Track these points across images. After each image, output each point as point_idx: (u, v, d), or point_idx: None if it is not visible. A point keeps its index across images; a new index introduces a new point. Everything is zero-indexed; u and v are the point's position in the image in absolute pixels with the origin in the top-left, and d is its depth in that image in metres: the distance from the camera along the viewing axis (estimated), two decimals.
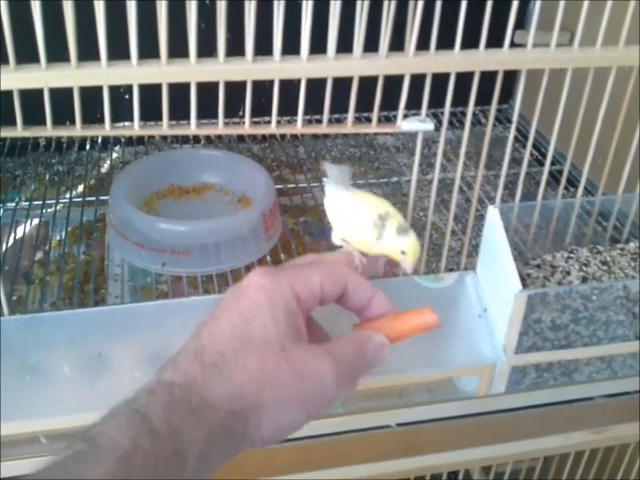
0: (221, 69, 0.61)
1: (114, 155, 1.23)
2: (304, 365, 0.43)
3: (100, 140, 1.24)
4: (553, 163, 1.01)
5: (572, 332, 0.70)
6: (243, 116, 0.64)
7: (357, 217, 0.57)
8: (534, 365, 0.73)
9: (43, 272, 0.95)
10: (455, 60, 0.63)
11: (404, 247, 0.55)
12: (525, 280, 0.72)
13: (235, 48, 0.62)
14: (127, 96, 0.64)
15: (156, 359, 0.64)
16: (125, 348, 0.67)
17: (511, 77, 0.76)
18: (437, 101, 0.67)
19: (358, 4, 0.60)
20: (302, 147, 1.29)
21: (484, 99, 0.68)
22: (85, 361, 0.64)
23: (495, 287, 0.72)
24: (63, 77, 0.58)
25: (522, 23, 1.14)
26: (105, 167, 1.21)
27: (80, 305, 0.89)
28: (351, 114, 0.65)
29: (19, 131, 0.60)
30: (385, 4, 0.61)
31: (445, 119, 0.68)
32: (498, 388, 0.74)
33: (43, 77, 0.58)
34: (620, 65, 0.70)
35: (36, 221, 1.05)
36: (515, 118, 0.74)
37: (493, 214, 0.71)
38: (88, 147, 1.23)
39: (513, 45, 0.65)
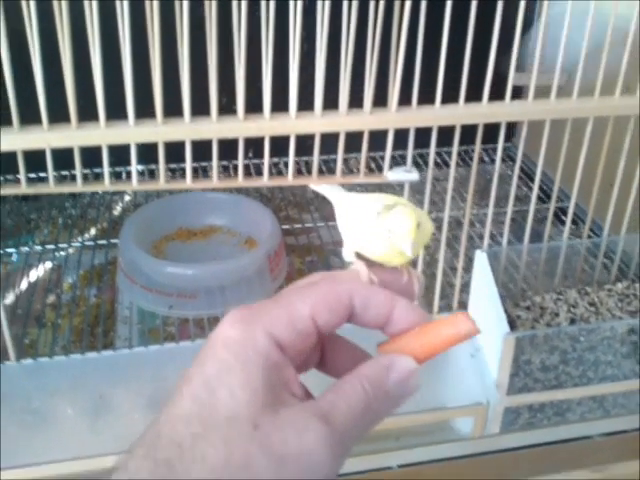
0: (214, 128, 0.66)
1: (126, 198, 1.29)
2: (284, 445, 0.34)
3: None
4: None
5: (562, 373, 0.73)
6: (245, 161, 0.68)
7: (365, 218, 0.47)
8: (527, 406, 0.75)
9: (55, 315, 1.00)
10: (436, 114, 0.67)
11: (391, 224, 0.44)
12: (515, 322, 0.75)
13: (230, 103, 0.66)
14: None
15: (156, 401, 0.69)
16: (127, 391, 0.71)
17: None
18: (445, 140, 0.70)
19: (342, 65, 0.64)
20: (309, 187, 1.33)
21: (487, 137, 0.72)
22: (86, 404, 0.68)
23: (486, 328, 0.75)
24: (64, 138, 0.64)
25: (522, 65, 1.19)
26: (117, 210, 1.27)
27: (89, 348, 0.93)
28: (339, 165, 0.69)
29: (23, 188, 0.66)
30: (367, 63, 0.65)
31: (430, 162, 0.71)
32: (493, 429, 0.76)
33: (45, 138, 0.63)
34: (618, 114, 0.73)
35: (49, 265, 1.10)
36: (517, 164, 0.77)
37: (481, 258, 0.74)
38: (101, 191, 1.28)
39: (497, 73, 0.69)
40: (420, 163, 1.22)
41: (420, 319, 0.40)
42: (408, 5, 0.63)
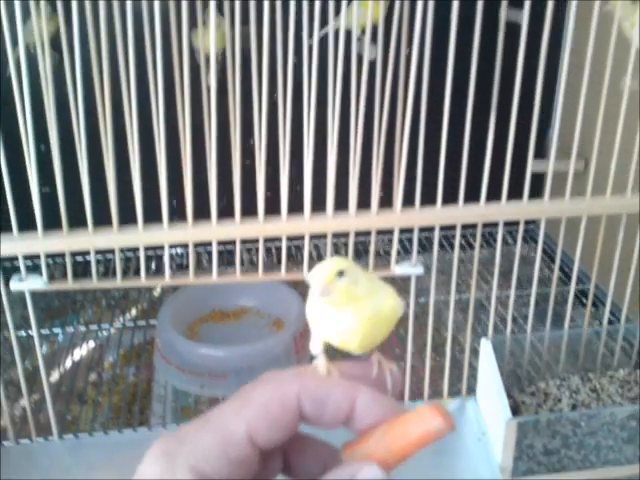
0: (238, 229, 0.74)
1: None
2: None
3: (154, 266, 1.40)
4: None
5: (565, 456, 0.77)
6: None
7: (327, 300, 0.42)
8: None
9: (95, 393, 1.08)
10: (437, 215, 0.75)
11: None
12: (520, 407, 0.80)
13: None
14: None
15: None
16: None
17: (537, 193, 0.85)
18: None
19: (350, 170, 0.73)
20: None
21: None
22: None
23: (492, 413, 0.81)
24: (107, 241, 0.73)
25: (541, 151, 1.26)
26: (157, 292, 1.36)
27: (126, 425, 1.01)
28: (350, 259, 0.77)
29: (69, 284, 0.75)
30: (374, 167, 0.74)
31: (433, 265, 0.79)
32: None
33: (90, 241, 0.73)
34: (629, 212, 0.79)
35: (92, 344, 1.20)
36: (538, 255, 0.83)
37: (486, 346, 0.80)
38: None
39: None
40: (445, 245, 1.29)
41: (387, 413, 0.36)
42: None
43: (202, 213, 0.75)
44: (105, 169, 0.71)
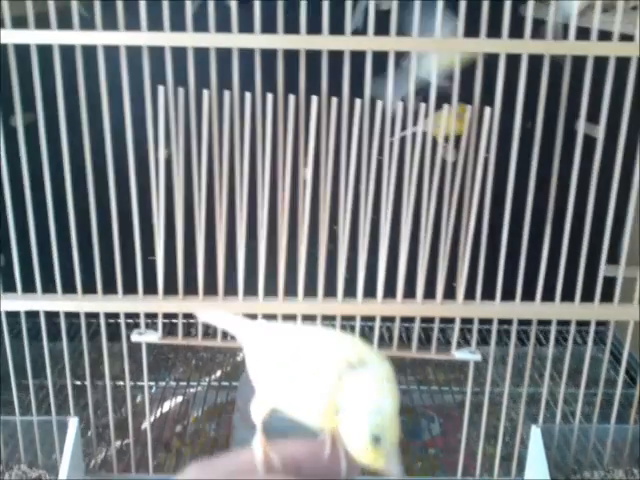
0: (281, 306, 0.88)
1: None
2: None
3: None
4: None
5: None
6: None
7: (299, 367, 0.34)
8: None
9: (180, 444, 1.22)
10: (496, 309, 0.87)
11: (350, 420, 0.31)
12: None
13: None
14: None
15: None
16: None
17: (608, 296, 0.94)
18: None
19: (420, 261, 0.86)
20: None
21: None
22: None
23: None
24: (214, 307, 0.88)
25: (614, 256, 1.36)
26: (240, 356, 1.51)
27: None
28: (415, 342, 0.90)
29: (179, 339, 0.91)
30: (440, 261, 0.87)
31: (491, 356, 0.90)
32: None
33: (180, 306, 0.88)
34: None
35: (180, 399, 1.35)
36: (606, 358, 0.94)
37: (536, 433, 0.90)
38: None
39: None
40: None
41: None
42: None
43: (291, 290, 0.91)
44: (217, 244, 0.88)
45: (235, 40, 0.78)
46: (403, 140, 0.83)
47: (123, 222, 0.87)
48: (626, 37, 0.79)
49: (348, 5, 0.78)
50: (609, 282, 0.92)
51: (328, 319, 0.90)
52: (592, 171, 0.84)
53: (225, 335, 0.91)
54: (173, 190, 0.85)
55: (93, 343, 1.01)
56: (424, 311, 0.88)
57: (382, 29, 0.80)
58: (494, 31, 0.79)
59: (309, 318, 0.92)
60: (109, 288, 0.90)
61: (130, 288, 0.90)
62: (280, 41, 0.78)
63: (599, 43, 0.79)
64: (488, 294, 0.88)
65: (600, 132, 0.83)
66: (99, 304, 0.89)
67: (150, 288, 0.89)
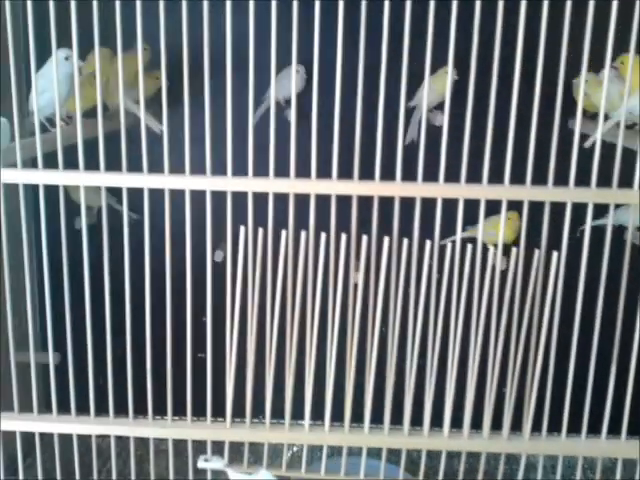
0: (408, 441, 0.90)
1: None
2: None
3: None
4: None
5: None
6: None
7: None
8: None
9: None
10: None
11: None
12: None
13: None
14: None
15: None
16: None
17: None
18: None
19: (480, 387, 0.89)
20: None
21: None
22: None
23: None
24: (299, 437, 0.91)
25: None
26: None
27: None
28: None
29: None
30: (508, 384, 0.89)
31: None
32: None
33: (266, 436, 0.91)
34: None
35: None
36: None
37: None
38: None
39: None
40: None
41: None
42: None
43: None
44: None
45: (314, 186, 0.84)
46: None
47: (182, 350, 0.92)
48: None
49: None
50: None
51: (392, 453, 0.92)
52: None
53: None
54: (246, 324, 0.90)
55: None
56: (490, 446, 0.90)
57: (434, 145, 0.85)
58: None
59: (375, 452, 0.94)
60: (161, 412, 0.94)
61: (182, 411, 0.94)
62: (355, 188, 0.84)
63: None
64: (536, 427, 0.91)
65: None
66: (168, 431, 0.93)
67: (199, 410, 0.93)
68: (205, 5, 0.80)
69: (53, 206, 0.88)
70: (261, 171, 0.86)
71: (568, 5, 0.78)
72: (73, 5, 0.81)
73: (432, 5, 0.79)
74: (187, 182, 0.84)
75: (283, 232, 0.86)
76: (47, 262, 0.90)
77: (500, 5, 0.78)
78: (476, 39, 0.79)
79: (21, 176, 0.86)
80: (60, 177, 0.85)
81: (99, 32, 0.82)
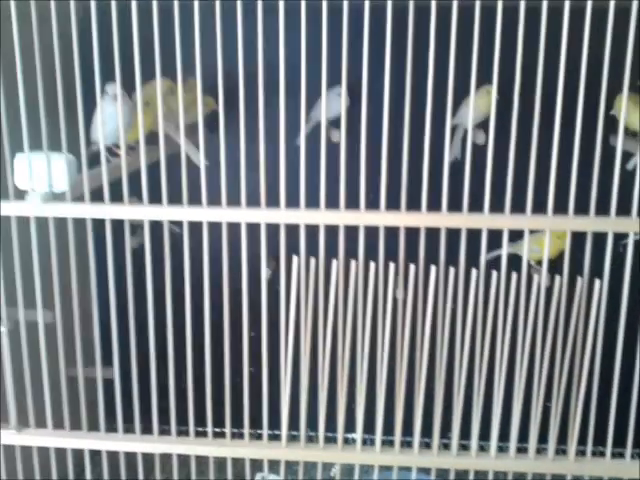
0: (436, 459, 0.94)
1: None
2: None
3: None
4: None
5: None
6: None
7: None
8: None
9: None
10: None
11: None
12: None
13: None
14: None
15: None
16: None
17: None
18: None
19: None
20: None
21: None
22: None
23: None
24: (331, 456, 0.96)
25: None
26: None
27: None
28: None
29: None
30: (553, 408, 0.92)
31: None
32: None
33: (282, 453, 0.95)
34: None
35: None
36: None
37: None
38: None
39: None
40: None
41: None
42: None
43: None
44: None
45: (363, 218, 0.88)
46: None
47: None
48: None
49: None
50: None
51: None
52: None
53: None
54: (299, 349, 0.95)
55: None
56: (536, 467, 0.93)
57: (480, 162, 0.88)
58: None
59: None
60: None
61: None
62: (402, 219, 0.88)
63: None
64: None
65: None
66: (228, 449, 0.98)
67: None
68: (259, 38, 0.85)
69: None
70: (293, 201, 0.91)
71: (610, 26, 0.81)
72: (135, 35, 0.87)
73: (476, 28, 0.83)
74: (243, 215, 0.89)
75: (334, 262, 0.90)
76: (113, 289, 0.96)
77: (542, 27, 0.81)
78: (519, 61, 0.83)
79: (89, 210, 0.92)
80: (125, 211, 0.91)
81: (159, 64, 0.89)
